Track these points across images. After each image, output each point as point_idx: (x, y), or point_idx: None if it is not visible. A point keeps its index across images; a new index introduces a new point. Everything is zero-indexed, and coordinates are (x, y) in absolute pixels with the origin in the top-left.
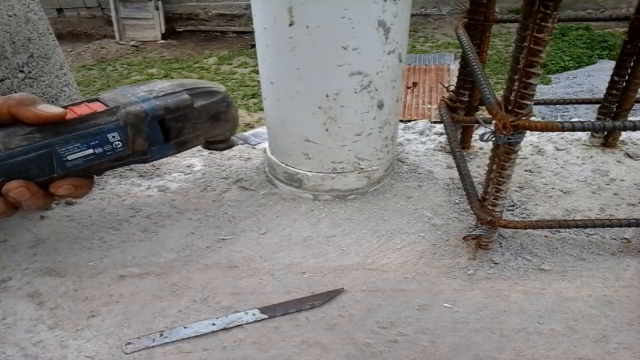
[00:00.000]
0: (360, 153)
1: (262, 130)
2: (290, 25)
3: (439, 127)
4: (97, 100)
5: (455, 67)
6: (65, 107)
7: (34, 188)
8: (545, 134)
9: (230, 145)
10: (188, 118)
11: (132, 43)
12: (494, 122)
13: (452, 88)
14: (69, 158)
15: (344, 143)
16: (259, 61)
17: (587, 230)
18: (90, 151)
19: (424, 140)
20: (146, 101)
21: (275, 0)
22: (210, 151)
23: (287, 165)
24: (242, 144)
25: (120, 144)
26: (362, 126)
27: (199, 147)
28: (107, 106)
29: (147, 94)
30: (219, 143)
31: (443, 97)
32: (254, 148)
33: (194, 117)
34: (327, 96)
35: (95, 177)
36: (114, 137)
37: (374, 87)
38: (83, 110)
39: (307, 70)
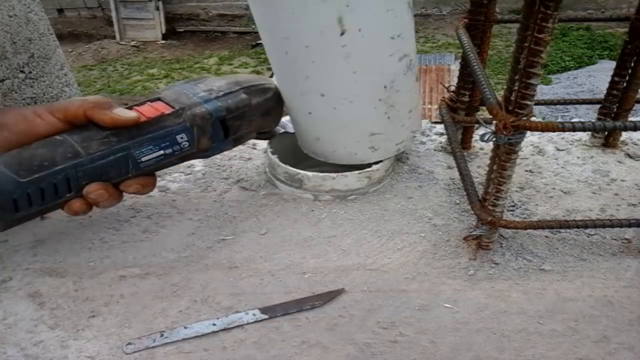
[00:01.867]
0: (413, 127)
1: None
2: (342, 34)
3: (439, 127)
4: (159, 99)
5: (455, 67)
6: (130, 108)
7: (111, 189)
8: (545, 134)
9: (273, 135)
10: (245, 116)
11: (133, 43)
12: (494, 122)
13: (452, 88)
14: (143, 159)
15: (403, 123)
16: (292, 82)
17: (588, 231)
18: (161, 152)
19: (424, 140)
20: (208, 102)
21: (318, 15)
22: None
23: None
24: (281, 132)
25: (187, 144)
26: (411, 102)
27: None
28: (172, 107)
29: (208, 94)
30: (264, 133)
31: (443, 97)
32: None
33: (250, 114)
34: (385, 87)
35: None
36: (181, 137)
37: (413, 63)
38: (149, 111)
39: (364, 70)
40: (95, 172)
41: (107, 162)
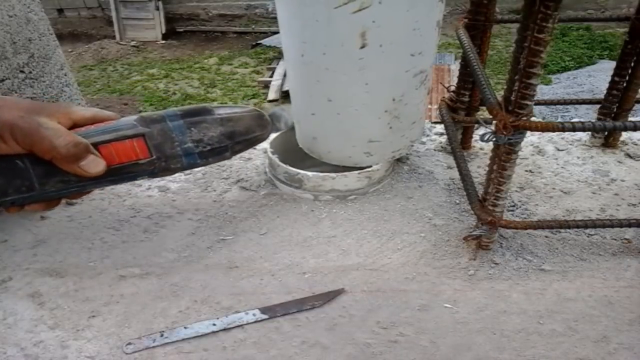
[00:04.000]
0: (412, 137)
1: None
2: (362, 47)
3: (439, 127)
4: (143, 137)
5: (455, 67)
6: (108, 142)
7: (52, 203)
8: (545, 134)
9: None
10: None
11: (133, 43)
12: (494, 122)
13: (453, 88)
14: (93, 188)
15: (403, 133)
16: (302, 82)
17: (588, 231)
18: (114, 184)
19: (424, 140)
20: (189, 156)
21: (342, 27)
22: None
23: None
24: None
25: (142, 179)
26: (417, 114)
27: None
28: (150, 155)
29: (194, 146)
30: None
31: (443, 97)
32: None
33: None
34: (394, 100)
35: None
36: (142, 178)
37: (428, 78)
38: (124, 152)
39: (377, 83)
40: (43, 199)
41: (59, 194)
